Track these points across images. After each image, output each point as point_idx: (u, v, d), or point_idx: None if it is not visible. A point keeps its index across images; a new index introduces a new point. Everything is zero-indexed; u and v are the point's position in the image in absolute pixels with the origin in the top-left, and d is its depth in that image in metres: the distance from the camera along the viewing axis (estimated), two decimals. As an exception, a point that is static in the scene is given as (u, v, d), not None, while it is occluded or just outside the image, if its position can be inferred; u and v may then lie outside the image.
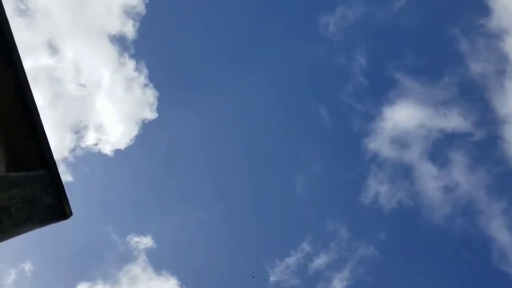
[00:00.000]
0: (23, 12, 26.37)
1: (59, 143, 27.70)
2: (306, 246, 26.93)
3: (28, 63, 26.98)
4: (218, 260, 28.71)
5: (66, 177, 27.49)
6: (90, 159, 29.01)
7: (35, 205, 5.71)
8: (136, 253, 27.94)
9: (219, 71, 30.95)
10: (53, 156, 5.79)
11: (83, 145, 27.95)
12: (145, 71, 28.34)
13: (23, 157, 5.84)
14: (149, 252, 27.85)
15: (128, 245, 28.03)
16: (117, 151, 28.15)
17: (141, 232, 29.22)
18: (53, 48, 27.24)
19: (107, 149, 27.96)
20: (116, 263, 28.67)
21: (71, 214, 5.98)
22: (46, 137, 5.78)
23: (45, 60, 27.39)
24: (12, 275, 27.59)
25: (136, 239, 27.91)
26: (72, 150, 27.71)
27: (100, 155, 28.20)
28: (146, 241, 27.76)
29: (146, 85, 28.17)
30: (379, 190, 26.96)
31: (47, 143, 5.81)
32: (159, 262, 28.00)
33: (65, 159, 27.50)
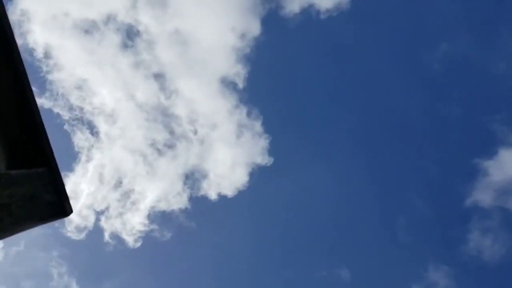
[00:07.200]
0: (129, 48, 26.46)
1: (173, 189, 27.51)
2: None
3: (137, 97, 26.94)
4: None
5: (191, 224, 27.57)
6: (209, 206, 28.79)
7: (35, 202, 5.74)
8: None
9: (330, 116, 30.75)
10: (53, 153, 5.82)
11: (199, 193, 27.77)
12: (259, 116, 28.12)
13: (23, 155, 5.87)
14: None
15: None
16: (234, 197, 27.92)
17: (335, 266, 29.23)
18: (160, 86, 27.21)
19: (213, 195, 27.72)
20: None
21: (71, 211, 6.00)
22: (46, 134, 5.82)
23: (152, 97, 27.31)
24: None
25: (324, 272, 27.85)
26: (190, 198, 27.59)
27: (214, 202, 27.98)
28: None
29: (259, 132, 27.99)
30: (482, 241, 26.90)
31: (47, 140, 5.84)
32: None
33: (184, 210, 27.30)
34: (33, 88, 5.66)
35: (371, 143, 30.55)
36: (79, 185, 26.75)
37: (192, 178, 28.16)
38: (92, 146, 26.85)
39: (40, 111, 5.80)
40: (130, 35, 26.72)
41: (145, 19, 26.87)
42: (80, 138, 26.66)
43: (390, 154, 30.30)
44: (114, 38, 26.38)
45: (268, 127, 28.46)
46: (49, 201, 5.86)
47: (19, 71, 5.49)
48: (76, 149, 26.80)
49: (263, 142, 27.96)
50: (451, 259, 28.12)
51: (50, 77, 25.81)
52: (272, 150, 28.22)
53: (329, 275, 28.20)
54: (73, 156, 26.95)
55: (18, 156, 5.87)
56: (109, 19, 26.10)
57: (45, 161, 5.86)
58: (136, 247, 27.08)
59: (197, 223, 29.27)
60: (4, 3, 5.55)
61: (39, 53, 25.64)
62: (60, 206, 5.94)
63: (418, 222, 29.49)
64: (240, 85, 27.79)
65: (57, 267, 26.47)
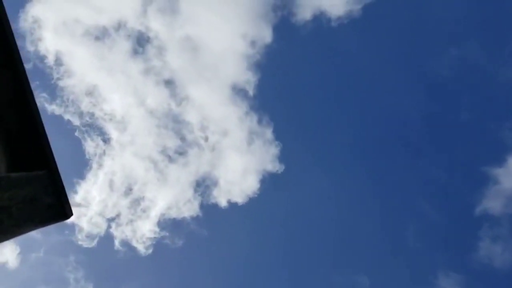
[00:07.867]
0: (139, 54, 26.83)
1: (183, 196, 27.69)
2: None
3: (148, 104, 27.27)
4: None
5: (202, 231, 27.87)
6: (219, 213, 29.05)
7: (35, 205, 5.69)
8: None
9: (340, 123, 30.93)
10: (53, 155, 5.78)
11: (209, 200, 27.92)
12: (270, 123, 28.28)
13: (23, 157, 5.83)
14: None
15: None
16: (245, 205, 28.06)
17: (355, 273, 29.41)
18: (171, 93, 27.50)
19: (224, 202, 27.86)
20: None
21: (71, 214, 5.94)
22: (46, 137, 5.78)
23: (163, 104, 27.62)
24: None
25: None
26: (201, 206, 27.78)
27: (224, 209, 28.12)
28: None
29: (269, 139, 28.10)
30: (493, 249, 26.80)
31: (48, 143, 5.80)
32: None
33: (195, 217, 27.47)
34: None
35: (381, 150, 30.40)
36: (90, 192, 26.89)
37: (203, 185, 28.10)
38: (103, 152, 26.98)
39: (40, 112, 5.77)
40: (140, 42, 26.91)
41: (156, 26, 27.03)
42: (91, 145, 26.83)
43: (400, 161, 30.06)
44: (124, 45, 26.59)
45: (279, 134, 28.39)
46: (49, 204, 5.81)
47: (19, 72, 5.47)
48: (87, 156, 26.96)
49: (274, 149, 27.85)
50: (461, 267, 27.78)
51: (61, 83, 26.04)
52: (283, 157, 28.09)
53: (338, 281, 27.99)
54: (84, 163, 27.13)
55: (19, 158, 5.84)
56: (120, 25, 26.31)
57: (46, 164, 5.82)
58: (147, 254, 27.08)
59: (208, 230, 29.25)
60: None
61: (50, 60, 25.90)
62: (60, 209, 5.89)
63: (428, 230, 29.22)
64: (251, 92, 27.76)
65: (72, 272, 26.63)
